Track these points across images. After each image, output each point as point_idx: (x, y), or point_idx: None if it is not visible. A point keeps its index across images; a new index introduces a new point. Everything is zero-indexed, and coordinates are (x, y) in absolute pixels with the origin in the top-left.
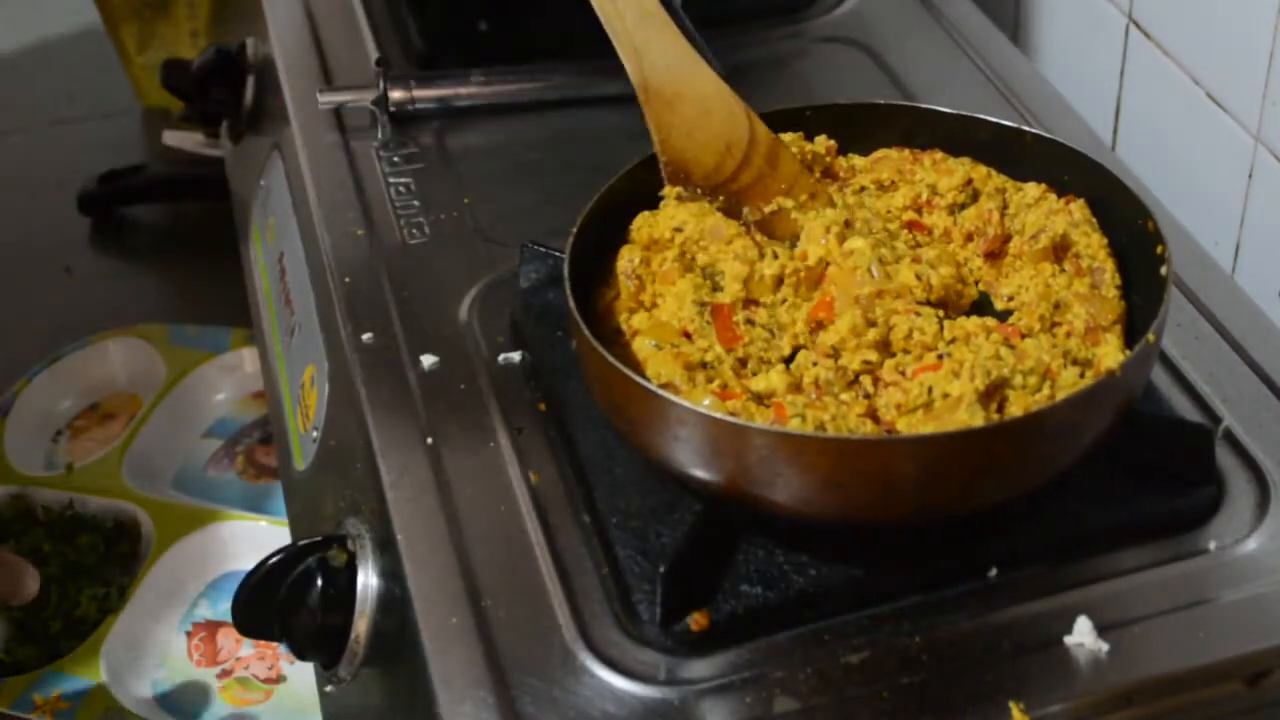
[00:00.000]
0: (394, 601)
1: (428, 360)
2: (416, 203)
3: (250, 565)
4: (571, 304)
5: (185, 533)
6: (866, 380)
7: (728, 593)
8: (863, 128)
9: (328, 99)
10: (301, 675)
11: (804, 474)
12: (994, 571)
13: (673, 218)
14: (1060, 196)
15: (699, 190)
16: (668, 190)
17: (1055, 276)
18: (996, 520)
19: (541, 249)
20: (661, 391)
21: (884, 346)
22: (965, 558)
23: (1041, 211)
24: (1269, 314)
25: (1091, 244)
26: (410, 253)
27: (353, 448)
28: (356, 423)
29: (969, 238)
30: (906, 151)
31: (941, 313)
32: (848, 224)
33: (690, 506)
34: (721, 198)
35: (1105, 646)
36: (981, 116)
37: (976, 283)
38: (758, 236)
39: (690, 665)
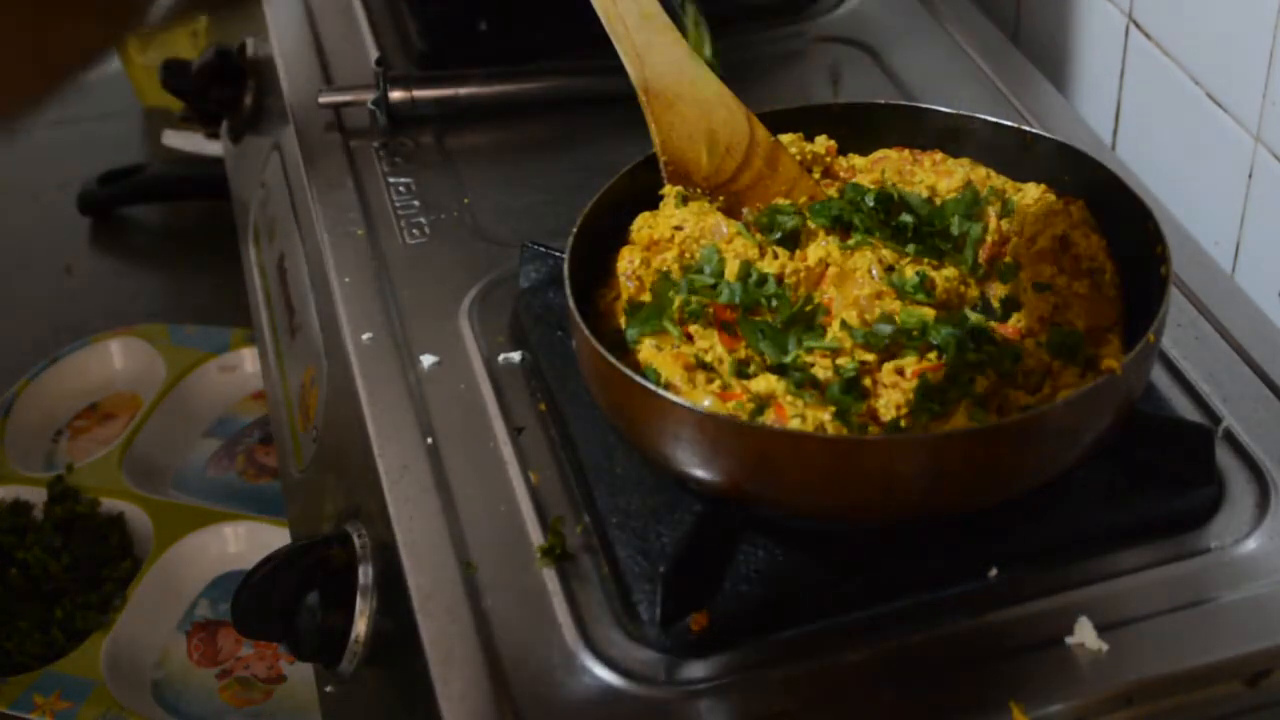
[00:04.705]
0: (394, 601)
1: (428, 360)
2: (416, 203)
3: (250, 565)
4: (571, 304)
5: (185, 533)
6: (866, 380)
7: (728, 593)
8: (863, 128)
9: (328, 99)
10: (301, 675)
11: (804, 474)
12: (994, 571)
13: (672, 217)
14: (1060, 196)
15: (699, 190)
16: (668, 189)
17: (1055, 277)
18: (996, 520)
19: (541, 249)
20: (661, 391)
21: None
22: (965, 558)
23: (1041, 212)
24: (1269, 314)
25: (1091, 244)
26: (410, 253)
27: (353, 448)
28: (356, 423)
29: None
30: (906, 152)
31: (942, 313)
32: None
33: (690, 506)
34: (721, 198)
35: (1105, 646)
36: (981, 116)
37: (976, 283)
38: (758, 236)
39: (690, 665)
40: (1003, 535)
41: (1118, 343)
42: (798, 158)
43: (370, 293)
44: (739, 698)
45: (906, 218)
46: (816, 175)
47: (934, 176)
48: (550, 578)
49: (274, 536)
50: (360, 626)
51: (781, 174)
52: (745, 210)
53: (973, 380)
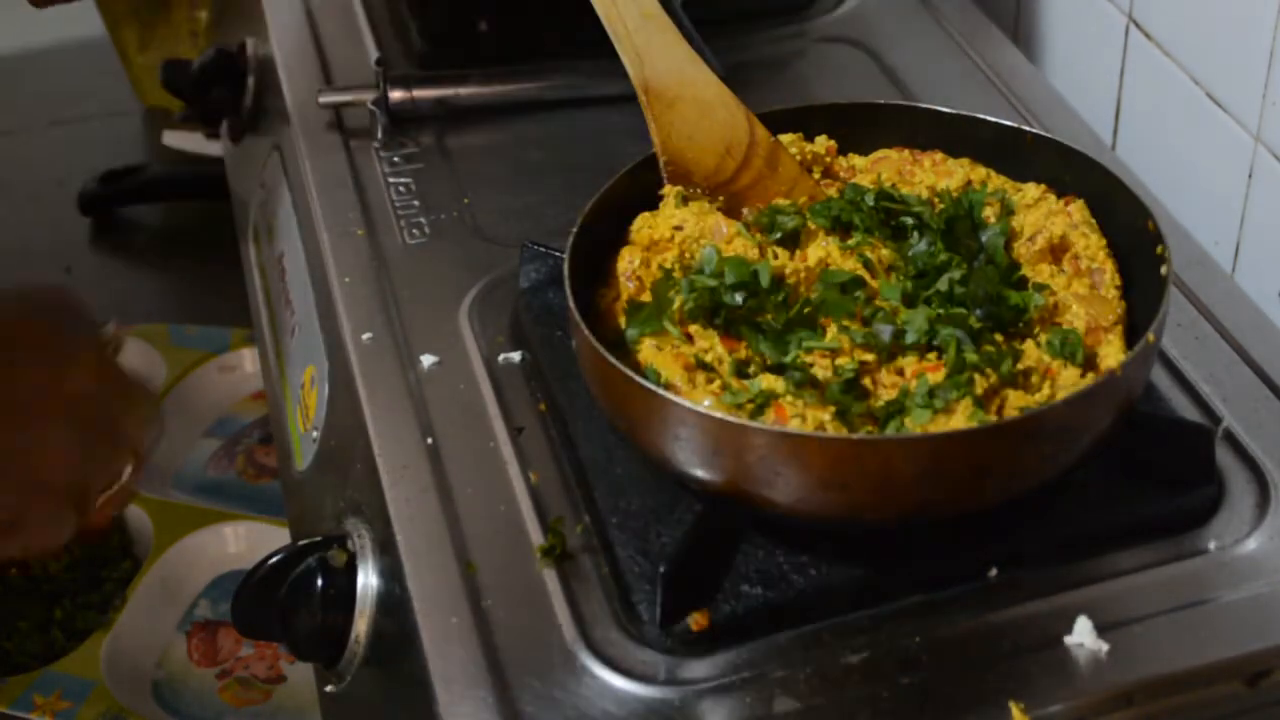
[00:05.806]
0: (394, 601)
1: (428, 360)
2: (416, 203)
3: (250, 565)
4: (571, 304)
5: (185, 533)
6: (866, 380)
7: (728, 593)
8: (863, 128)
9: (328, 99)
10: (301, 675)
11: (804, 474)
12: (994, 571)
13: (672, 217)
14: (1060, 197)
15: (699, 190)
16: (668, 189)
17: (1054, 277)
18: (996, 520)
19: (541, 249)
20: (661, 391)
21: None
22: (965, 558)
23: (1041, 212)
24: (1269, 314)
25: (1091, 245)
26: (410, 253)
27: (353, 448)
28: (356, 423)
29: None
30: (906, 152)
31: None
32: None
33: (690, 506)
34: (721, 198)
35: (1105, 646)
36: (981, 116)
37: None
38: (758, 236)
39: (690, 665)
40: (1003, 535)
41: (1118, 343)
42: (798, 158)
43: (370, 293)
44: (739, 698)
45: (906, 218)
46: (816, 175)
47: (934, 176)
48: (550, 578)
49: (274, 536)
50: (360, 626)
51: (781, 174)
52: (745, 210)
53: (972, 380)
